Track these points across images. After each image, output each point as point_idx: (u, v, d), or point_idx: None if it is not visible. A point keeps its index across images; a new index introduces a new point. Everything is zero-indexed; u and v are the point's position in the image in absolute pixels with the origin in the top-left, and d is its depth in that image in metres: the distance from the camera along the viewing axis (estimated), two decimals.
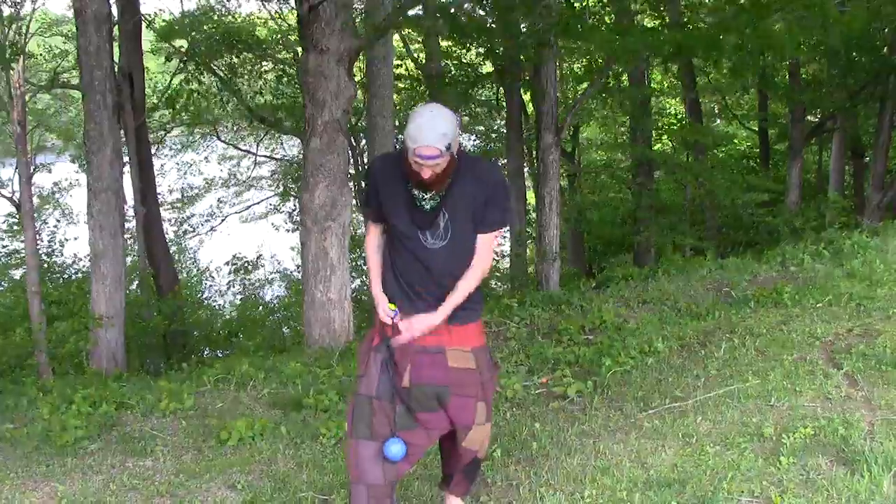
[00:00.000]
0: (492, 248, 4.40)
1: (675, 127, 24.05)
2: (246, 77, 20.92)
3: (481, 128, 25.37)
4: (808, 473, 4.94)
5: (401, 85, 21.50)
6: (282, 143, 27.62)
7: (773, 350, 7.75)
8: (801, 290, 9.90)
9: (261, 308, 23.01)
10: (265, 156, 27.57)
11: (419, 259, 4.31)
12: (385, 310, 4.35)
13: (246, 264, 25.31)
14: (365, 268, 15.09)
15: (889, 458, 4.88)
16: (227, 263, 25.32)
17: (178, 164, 27.21)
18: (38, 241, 21.60)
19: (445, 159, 4.04)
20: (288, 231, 26.88)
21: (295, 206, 25.86)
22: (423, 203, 4.22)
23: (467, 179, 4.19)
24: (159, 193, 20.52)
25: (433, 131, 3.97)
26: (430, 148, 3.97)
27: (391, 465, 4.38)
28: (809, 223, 16.63)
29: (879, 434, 5.40)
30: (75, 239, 21.86)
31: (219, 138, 25.72)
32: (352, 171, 18.14)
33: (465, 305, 4.38)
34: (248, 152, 27.54)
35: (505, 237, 20.18)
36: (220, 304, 23.99)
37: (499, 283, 21.68)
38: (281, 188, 27.92)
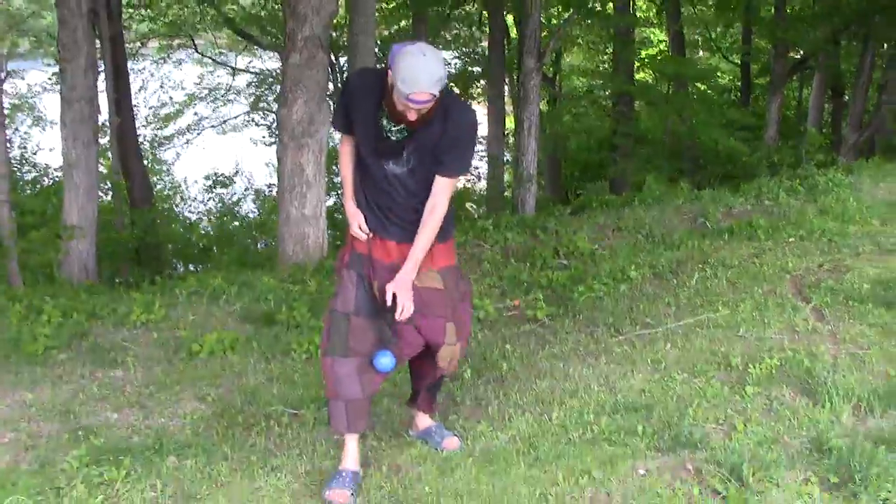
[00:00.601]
0: (449, 193, 4.28)
1: (658, 58, 23.91)
2: None
3: (464, 48, 25.15)
4: (772, 403, 5.00)
5: (384, 5, 21.23)
6: (260, 57, 27.32)
7: (744, 282, 7.82)
8: (774, 224, 9.99)
9: (236, 223, 22.89)
10: (243, 69, 27.28)
11: (382, 184, 4.28)
12: (360, 226, 4.35)
13: (223, 178, 25.14)
14: (340, 185, 15.02)
15: (850, 391, 4.95)
16: (206, 178, 25.16)
17: (152, 74, 26.78)
18: (10, 149, 21.37)
19: (434, 101, 4.00)
20: (267, 145, 26.62)
21: (273, 119, 25.63)
22: (391, 134, 4.17)
23: (439, 116, 4.09)
24: (135, 106, 20.29)
25: (430, 76, 3.86)
26: (425, 94, 3.88)
27: (369, 379, 4.39)
28: (786, 160, 16.63)
29: (842, 367, 5.47)
30: (50, 150, 21.58)
31: (196, 50, 25.42)
32: (331, 87, 17.98)
33: (396, 230, 4.38)
34: (226, 65, 27.23)
35: (482, 158, 20.14)
36: (195, 218, 23.81)
37: (474, 206, 21.65)
38: (256, 100, 27.69)
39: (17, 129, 23.83)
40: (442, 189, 4.23)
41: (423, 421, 4.97)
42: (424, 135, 4.12)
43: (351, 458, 4.50)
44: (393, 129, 4.14)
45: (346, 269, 4.41)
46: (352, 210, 4.40)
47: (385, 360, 4.31)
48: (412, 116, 4.00)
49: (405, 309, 4.26)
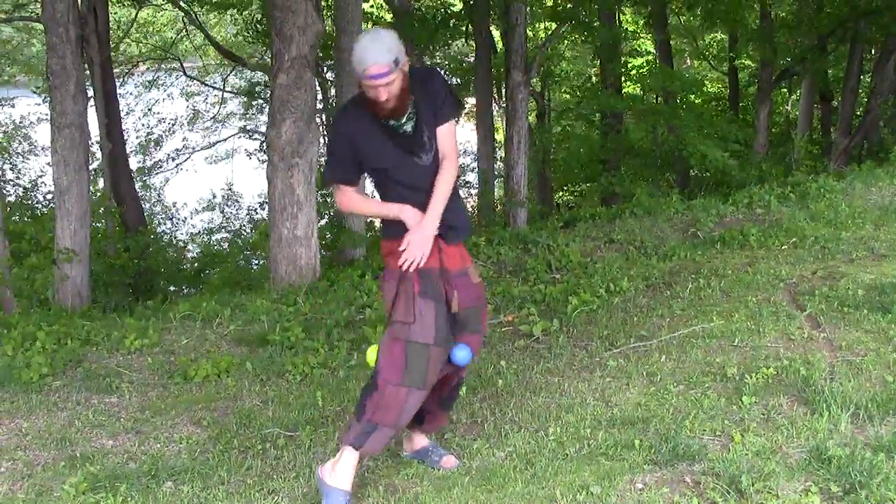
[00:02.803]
0: (454, 139, 4.37)
1: (644, 70, 23.93)
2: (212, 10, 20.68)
3: (450, 52, 25.23)
4: (770, 413, 4.99)
5: (378, 28, 21.26)
6: (248, 79, 27.34)
7: (737, 291, 7.81)
8: (766, 232, 9.98)
9: (227, 245, 22.90)
10: (231, 91, 27.28)
11: (413, 184, 4.30)
12: (412, 213, 4.30)
13: (214, 203, 25.21)
14: (332, 204, 14.87)
15: (848, 398, 4.93)
16: (199, 202, 25.22)
17: (144, 101, 26.79)
18: (2, 174, 21.36)
19: (397, 76, 4.02)
20: (256, 168, 26.61)
21: (262, 139, 25.63)
22: (400, 128, 4.22)
23: (417, 89, 4.20)
24: (125, 131, 20.29)
25: (378, 47, 3.96)
26: (378, 65, 3.94)
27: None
28: (776, 167, 16.64)
29: (839, 374, 5.46)
30: (42, 173, 21.51)
31: (185, 73, 25.43)
32: (319, 107, 17.99)
33: (460, 220, 4.46)
34: (215, 87, 27.24)
35: (472, 170, 20.10)
36: (186, 241, 23.81)
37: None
38: (247, 124, 27.75)
39: (8, 157, 23.72)
40: (446, 138, 4.30)
41: (420, 440, 4.95)
42: (425, 111, 4.22)
43: (350, 476, 4.44)
44: (397, 123, 4.21)
45: (418, 298, 4.27)
46: (394, 206, 4.34)
47: (463, 354, 4.37)
48: (383, 96, 4.04)
49: (413, 260, 4.23)
